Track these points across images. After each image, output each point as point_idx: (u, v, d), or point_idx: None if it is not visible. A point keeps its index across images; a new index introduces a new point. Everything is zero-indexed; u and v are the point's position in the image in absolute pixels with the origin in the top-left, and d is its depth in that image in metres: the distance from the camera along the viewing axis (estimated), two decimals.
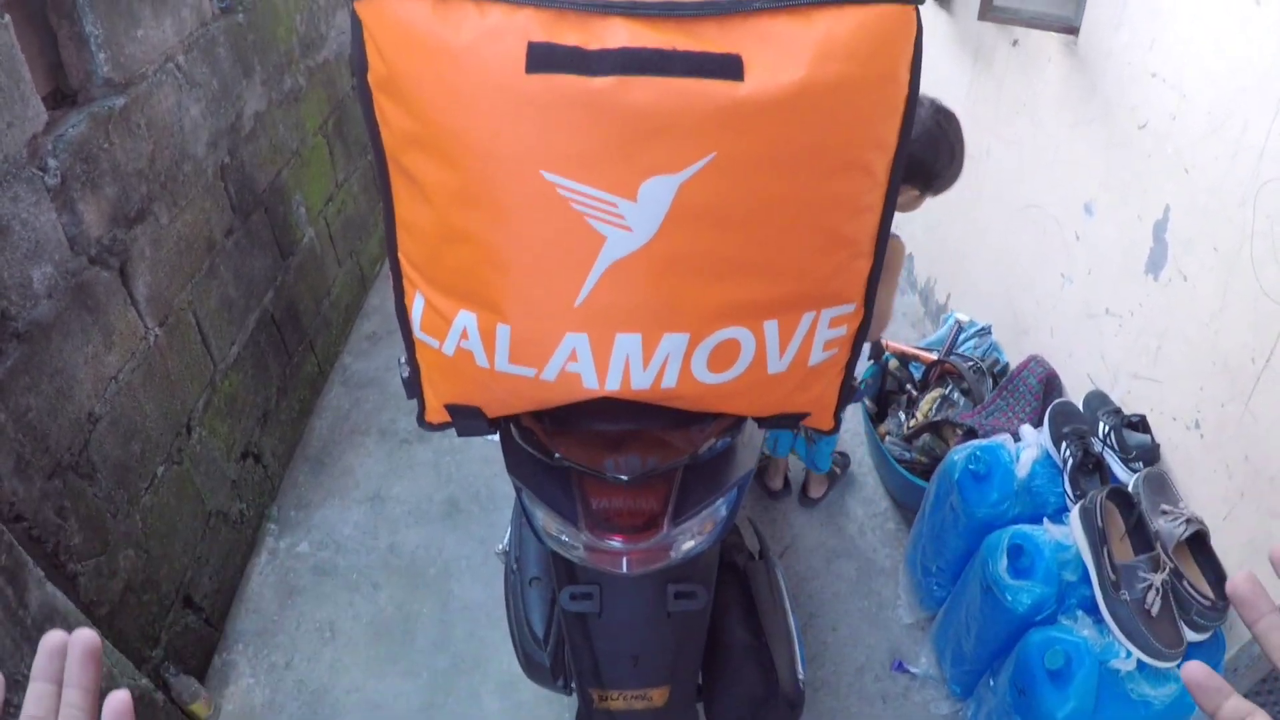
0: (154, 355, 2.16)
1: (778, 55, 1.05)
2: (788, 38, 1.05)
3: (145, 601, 2.09)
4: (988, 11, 2.47)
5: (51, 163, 1.78)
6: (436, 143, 1.12)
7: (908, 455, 2.65)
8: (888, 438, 2.74)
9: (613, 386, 1.28)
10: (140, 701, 1.95)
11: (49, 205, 1.78)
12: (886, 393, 2.90)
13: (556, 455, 1.47)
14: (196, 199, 2.37)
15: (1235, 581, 0.60)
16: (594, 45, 1.03)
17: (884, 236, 1.28)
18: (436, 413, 1.46)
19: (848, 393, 1.46)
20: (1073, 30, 2.36)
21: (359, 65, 1.13)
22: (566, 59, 1.03)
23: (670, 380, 1.28)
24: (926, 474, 2.51)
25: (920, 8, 1.10)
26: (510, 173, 1.10)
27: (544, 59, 1.03)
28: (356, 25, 1.10)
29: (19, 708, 1.48)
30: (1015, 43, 2.72)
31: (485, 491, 2.89)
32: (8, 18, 1.64)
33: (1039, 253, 2.63)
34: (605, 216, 1.12)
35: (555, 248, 1.16)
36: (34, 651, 1.58)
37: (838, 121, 1.11)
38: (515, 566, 1.91)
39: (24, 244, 1.71)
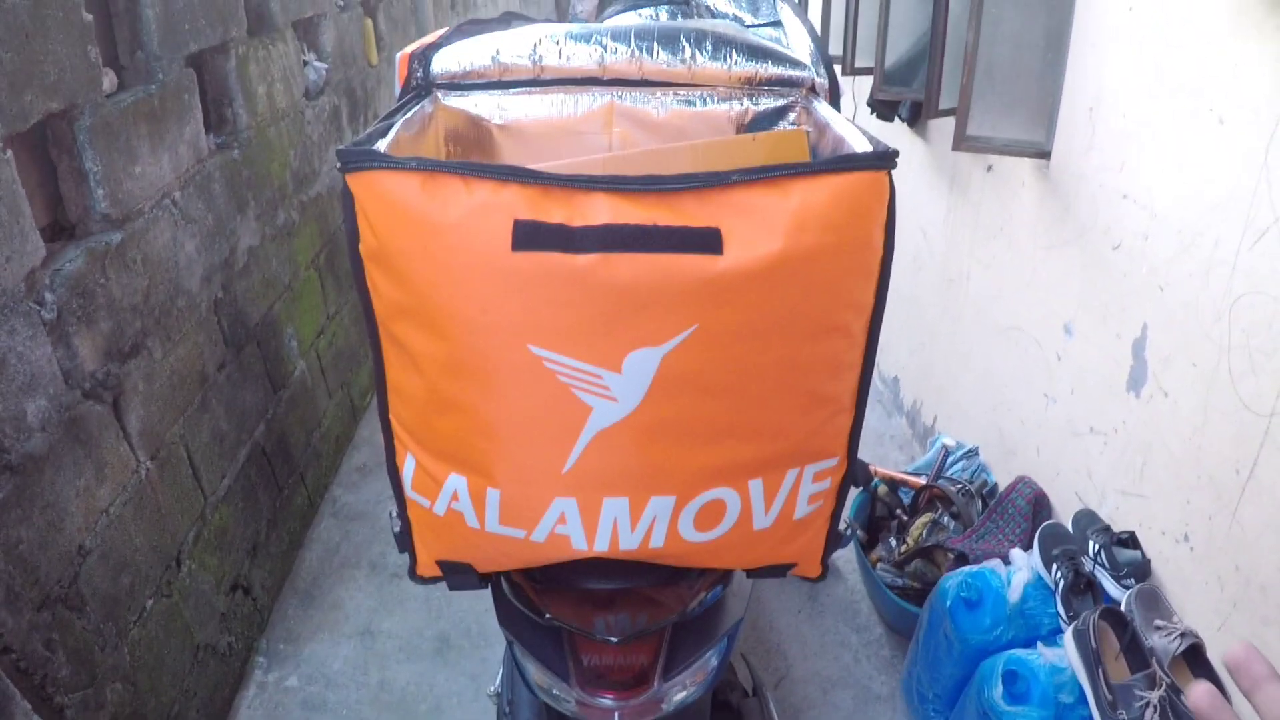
0: (145, 488, 2.15)
1: (755, 227, 1.09)
2: (764, 209, 1.09)
3: None
4: (961, 141, 2.55)
5: (48, 297, 1.80)
6: (425, 315, 1.15)
7: (899, 581, 2.64)
8: (879, 564, 2.73)
9: (601, 547, 1.30)
10: None
11: (45, 339, 1.80)
12: (876, 519, 2.89)
13: (547, 615, 1.48)
14: (190, 333, 2.40)
15: (1233, 650, 0.60)
16: (578, 221, 1.07)
17: (864, 391, 1.32)
18: (427, 567, 1.47)
19: (834, 540, 1.48)
20: (1044, 155, 2.44)
21: (350, 235, 1.16)
22: (551, 237, 1.06)
23: (658, 540, 1.30)
24: (919, 599, 2.49)
25: (892, 171, 1.14)
26: (498, 346, 1.13)
27: (529, 237, 1.06)
28: (348, 197, 1.14)
29: None
30: (990, 168, 2.80)
31: (476, 627, 2.85)
32: (10, 153, 1.68)
33: (1022, 373, 2.67)
34: (591, 388, 1.15)
35: (543, 418, 1.19)
36: None
37: (815, 288, 1.15)
38: (508, 710, 1.89)
39: (19, 377, 1.72)
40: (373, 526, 3.33)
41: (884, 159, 1.12)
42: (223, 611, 2.55)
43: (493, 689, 2.10)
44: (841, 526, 1.47)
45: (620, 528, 1.27)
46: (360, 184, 1.12)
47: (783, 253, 1.08)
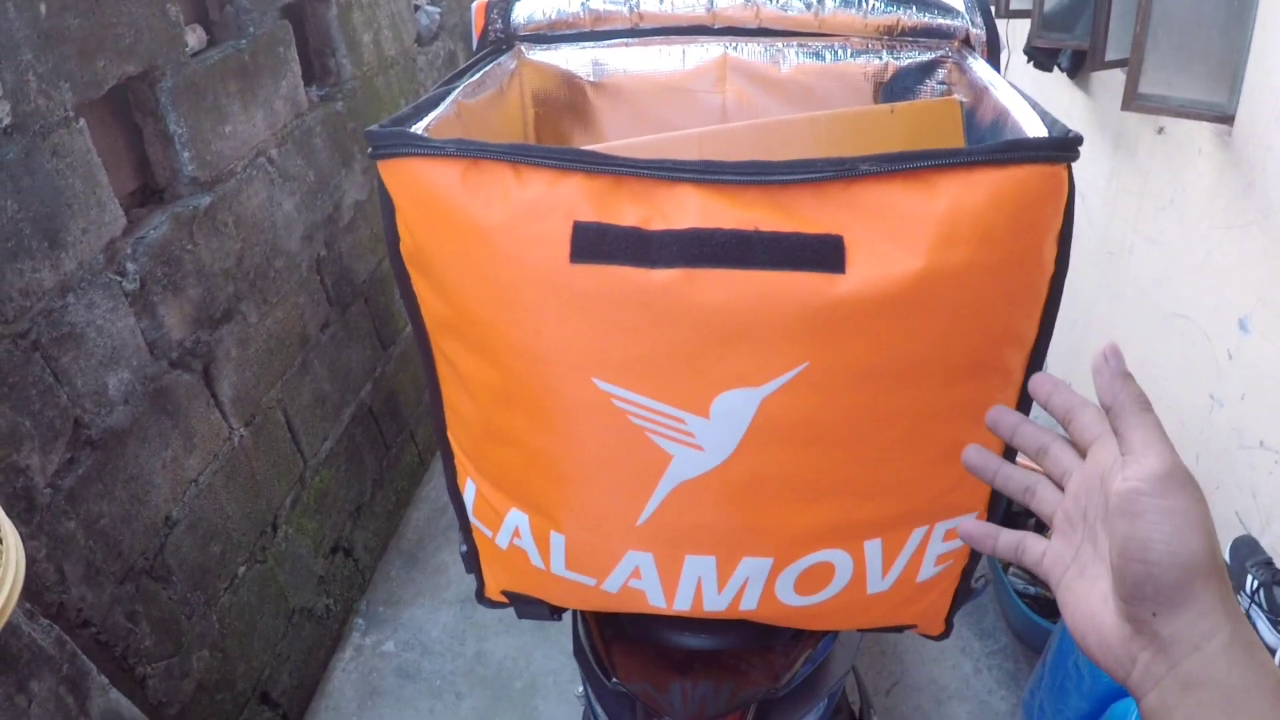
0: (238, 456, 2.11)
1: (889, 237, 0.85)
2: (903, 213, 0.85)
3: (219, 700, 2.03)
4: (1132, 100, 2.29)
5: (130, 267, 1.74)
6: (474, 335, 0.97)
7: (1032, 590, 2.43)
8: (1011, 569, 2.53)
9: (682, 606, 1.12)
10: None
11: (127, 310, 1.73)
12: (1012, 514, 2.69)
13: (614, 680, 1.30)
14: (289, 294, 2.33)
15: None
16: (656, 224, 0.85)
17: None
18: (496, 593, 1.32)
19: (963, 595, 1.25)
20: (1227, 120, 2.14)
21: (389, 238, 0.99)
22: (620, 245, 0.85)
23: (750, 603, 1.11)
24: (1052, 612, 2.30)
25: (1072, 162, 0.87)
26: (556, 377, 0.94)
27: (593, 245, 0.86)
28: (384, 193, 0.96)
29: None
30: (1161, 130, 2.51)
31: None
32: (83, 122, 1.61)
33: (1185, 369, 2.41)
34: (671, 433, 0.95)
35: (612, 462, 0.99)
36: None
37: (964, 318, 0.90)
38: (593, 715, 1.79)
39: (99, 351, 1.66)
40: None
41: (1065, 147, 0.84)
42: (321, 574, 2.51)
43: (578, 691, 2.00)
44: (974, 582, 1.24)
45: (705, 588, 1.09)
46: (393, 174, 0.94)
47: (924, 272, 0.84)
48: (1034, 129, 0.95)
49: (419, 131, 1.01)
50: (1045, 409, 0.66)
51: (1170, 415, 2.47)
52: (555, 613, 1.32)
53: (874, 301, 0.85)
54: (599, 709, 1.41)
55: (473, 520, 1.22)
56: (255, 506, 2.18)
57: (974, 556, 1.19)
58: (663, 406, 0.93)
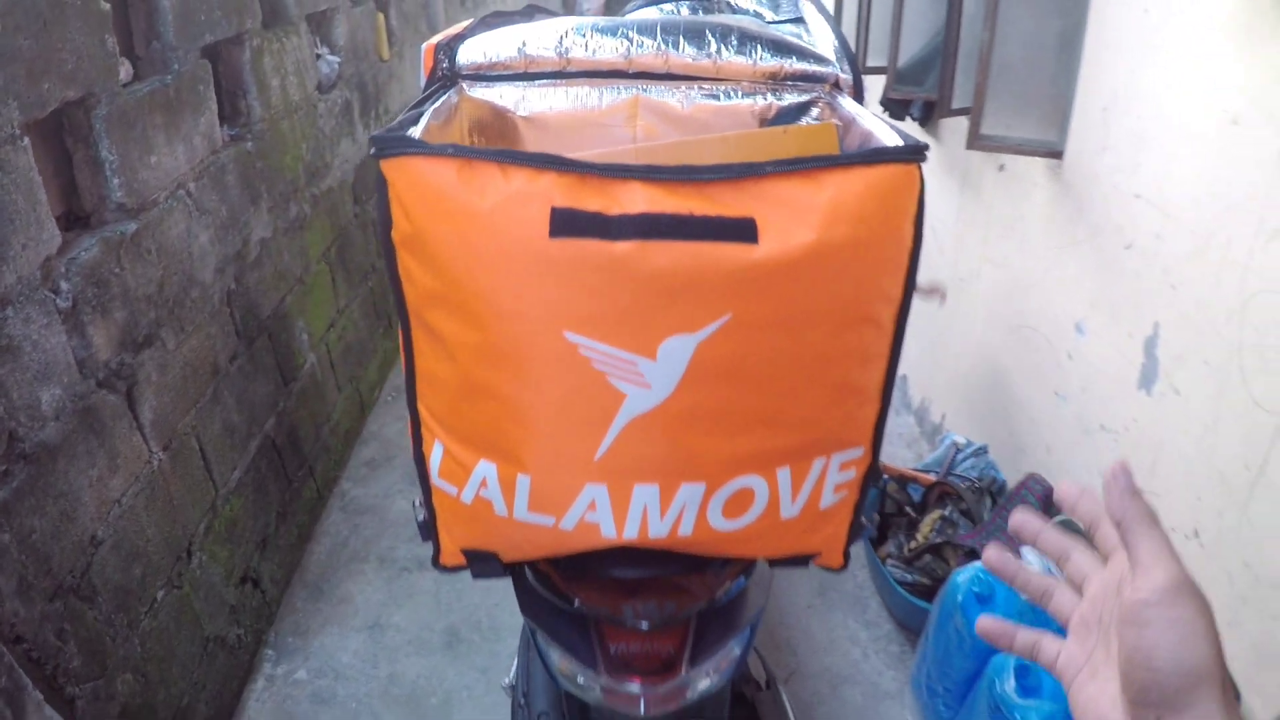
0: (157, 479, 2.16)
1: (790, 218, 1.10)
2: (799, 201, 1.10)
3: None
4: (975, 140, 2.56)
5: (64, 285, 1.81)
6: (461, 301, 1.15)
7: (909, 578, 2.64)
8: (889, 560, 2.73)
9: (630, 535, 1.30)
10: None
11: (60, 327, 1.80)
12: (886, 515, 2.90)
13: (576, 603, 1.48)
14: (203, 324, 2.41)
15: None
16: (615, 210, 1.07)
17: (890, 383, 1.33)
18: (451, 556, 1.47)
19: (856, 530, 1.48)
20: (1057, 155, 2.45)
21: (383, 221, 1.16)
22: (589, 224, 1.07)
23: (686, 528, 1.31)
24: (928, 595, 2.50)
25: (922, 166, 1.16)
26: (534, 333, 1.14)
27: (567, 224, 1.07)
28: (382, 183, 1.14)
29: None
30: (1002, 168, 2.80)
31: (487, 621, 2.86)
32: (27, 140, 1.69)
33: (1032, 372, 2.67)
34: (625, 375, 1.15)
35: (577, 404, 1.19)
36: None
37: (847, 279, 1.16)
38: (524, 701, 1.89)
39: (34, 365, 1.72)
40: (381, 520, 3.34)
41: (915, 152, 1.13)
42: (232, 604, 2.55)
43: (507, 681, 2.11)
44: (864, 519, 1.48)
45: (650, 515, 1.28)
46: (396, 170, 1.12)
47: (817, 244, 1.09)
48: (892, 142, 1.25)
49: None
50: (1071, 516, 0.71)
51: (1022, 413, 2.73)
52: (507, 569, 1.48)
53: (780, 266, 1.09)
54: (553, 646, 1.55)
55: (437, 483, 1.36)
56: (172, 531, 2.22)
57: (864, 492, 1.43)
58: (619, 352, 1.14)
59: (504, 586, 2.82)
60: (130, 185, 2.03)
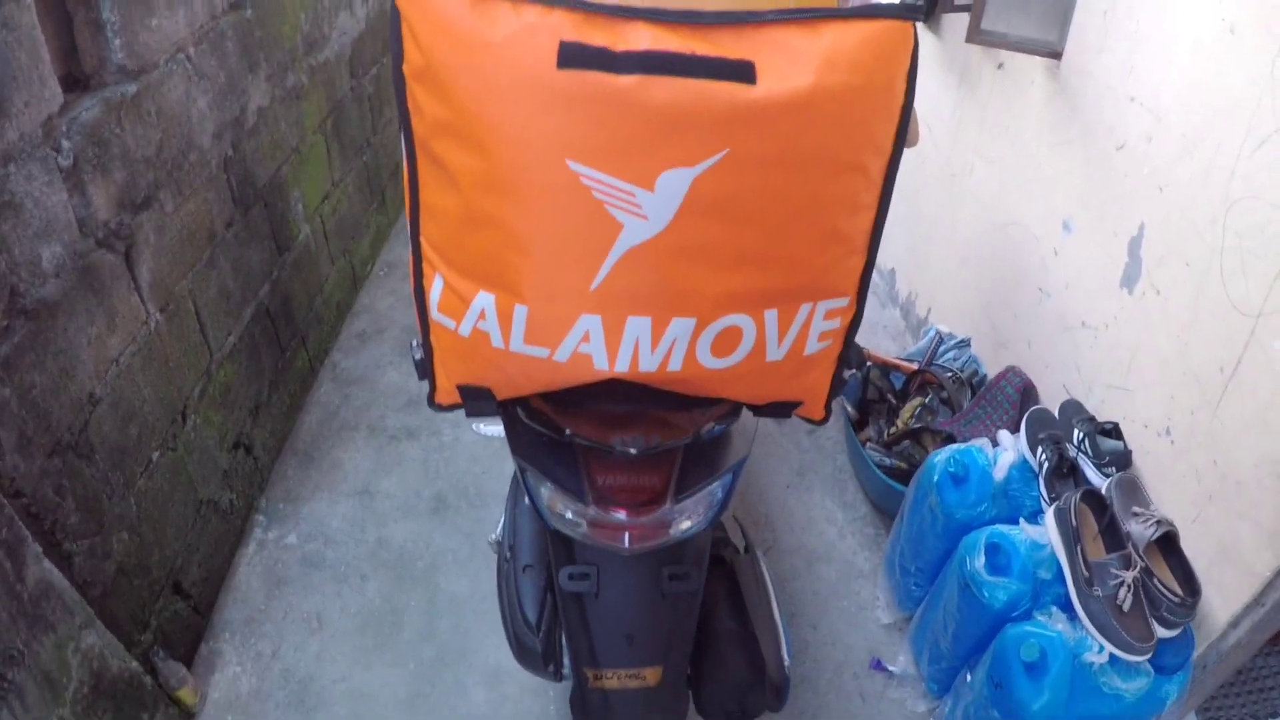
0: (154, 341, 2.19)
1: (787, 63, 1.15)
2: (797, 47, 1.15)
3: (136, 586, 2.11)
4: (975, 34, 2.56)
5: (65, 144, 1.81)
6: (468, 130, 1.19)
7: (888, 461, 2.71)
8: (869, 444, 2.80)
9: (622, 368, 1.36)
10: (129, 684, 1.98)
11: (61, 186, 1.81)
12: (868, 401, 2.96)
13: (567, 433, 1.54)
14: (200, 189, 2.41)
15: None
16: (620, 46, 1.12)
17: (877, 236, 1.37)
18: (447, 393, 1.52)
19: (838, 384, 1.54)
20: (1056, 55, 2.45)
21: (395, 55, 1.20)
22: (595, 58, 1.11)
23: (676, 364, 1.36)
24: (906, 479, 2.57)
25: (916, 23, 1.21)
26: (537, 161, 1.18)
27: (574, 57, 1.11)
28: (396, 16, 1.17)
29: (11, 683, 1.52)
30: (1000, 66, 2.80)
31: (473, 488, 2.93)
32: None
33: (1018, 268, 2.71)
34: (624, 205, 1.20)
35: (575, 233, 1.24)
36: (30, 626, 1.60)
37: (840, 126, 1.21)
38: (509, 555, 1.96)
39: (35, 222, 1.74)
40: (371, 390, 3.39)
41: (911, 10, 1.20)
42: (225, 469, 2.61)
43: (493, 537, 2.18)
44: (845, 375, 1.54)
45: (641, 348, 1.34)
46: (410, 3, 1.16)
47: (812, 88, 1.15)
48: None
49: None
50: None
51: (1005, 309, 2.77)
52: (499, 408, 1.56)
53: (776, 106, 1.15)
54: (542, 481, 1.62)
55: (436, 317, 1.41)
56: (168, 393, 2.26)
57: (847, 344, 1.49)
58: (619, 182, 1.19)
59: (489, 455, 2.92)
60: (131, 47, 2.02)
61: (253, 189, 2.78)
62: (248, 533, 2.78)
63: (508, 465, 2.89)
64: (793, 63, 1.15)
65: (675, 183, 1.18)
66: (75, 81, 1.96)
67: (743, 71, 1.13)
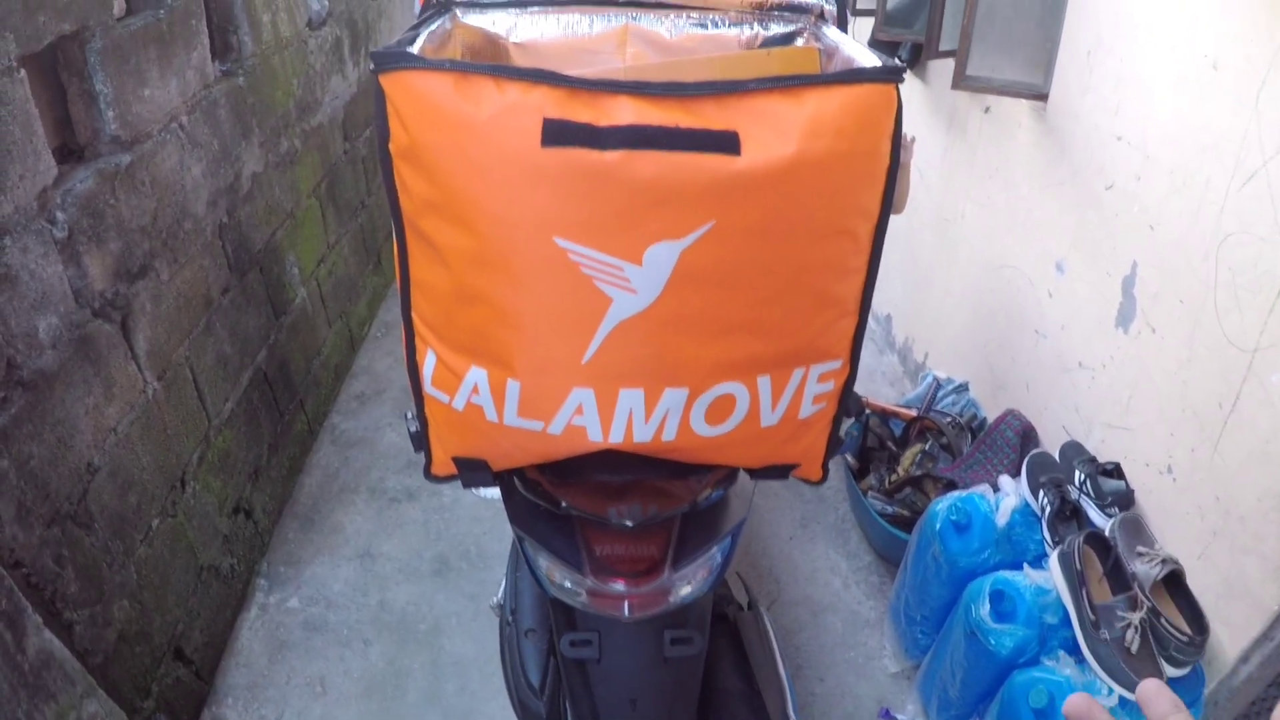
0: (152, 409, 2.19)
1: (771, 132, 1.15)
2: (780, 115, 1.15)
3: (138, 653, 2.10)
4: (961, 80, 2.58)
5: (60, 216, 1.83)
6: (455, 209, 1.20)
7: (890, 509, 2.70)
8: (870, 493, 2.80)
9: (616, 439, 1.36)
10: None
11: (56, 257, 1.82)
12: (868, 449, 2.95)
13: (564, 504, 1.54)
14: (196, 256, 2.42)
15: (1143, 685, 0.63)
16: (604, 121, 1.12)
17: (867, 297, 1.37)
18: (443, 465, 1.52)
19: (834, 444, 1.55)
20: (1042, 97, 2.47)
21: (380, 133, 1.21)
22: (579, 134, 1.12)
23: (670, 433, 1.36)
24: (908, 527, 2.55)
25: (899, 85, 1.21)
26: (525, 238, 1.18)
27: (558, 134, 1.12)
28: (380, 96, 1.18)
29: None
30: (987, 110, 2.83)
31: (475, 549, 2.92)
32: (23, 72, 1.70)
33: (1013, 310, 2.71)
34: (613, 279, 1.20)
35: (566, 309, 1.24)
36: (31, 696, 1.58)
37: (826, 192, 1.21)
38: (511, 619, 1.95)
39: (31, 294, 1.75)
40: (371, 452, 3.38)
41: (892, 73, 1.19)
42: (225, 534, 2.60)
43: (494, 600, 2.16)
44: (842, 432, 1.54)
45: (635, 419, 1.34)
46: (394, 84, 1.16)
47: (796, 156, 1.15)
48: (871, 64, 1.31)
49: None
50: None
51: (1003, 352, 2.78)
52: (496, 478, 1.55)
53: (761, 176, 1.15)
54: (540, 551, 1.61)
55: (429, 391, 1.41)
56: (166, 460, 2.26)
57: (842, 404, 1.49)
58: (607, 257, 1.19)
59: (491, 516, 2.90)
60: (124, 118, 2.04)
61: (248, 254, 2.79)
62: (249, 597, 2.76)
63: (508, 526, 2.88)
64: (776, 132, 1.15)
65: (663, 256, 1.19)
66: (69, 152, 1.98)
67: (727, 143, 1.13)
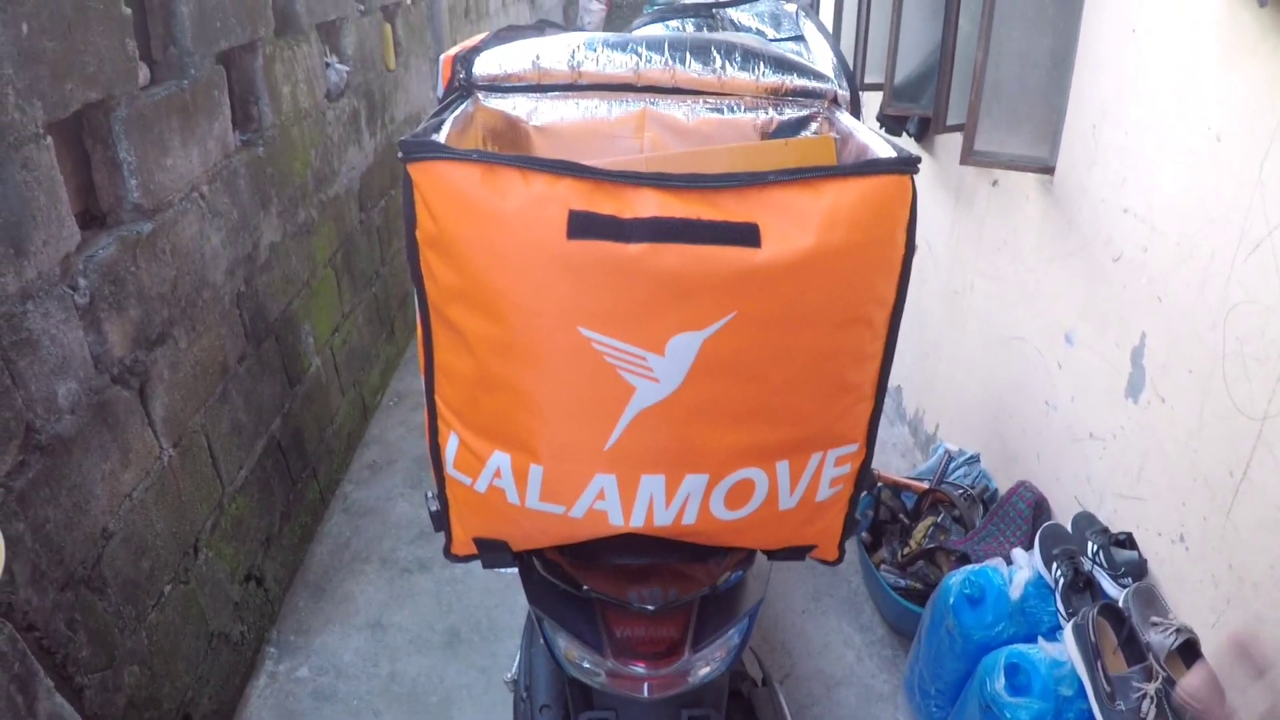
0: (167, 475, 2.20)
1: (790, 224, 1.18)
2: (799, 208, 1.18)
3: (147, 718, 2.09)
4: (969, 156, 2.61)
5: (81, 282, 1.86)
6: (481, 298, 1.22)
7: (903, 583, 2.69)
8: (883, 566, 2.79)
9: (637, 523, 1.38)
10: None
11: (77, 323, 1.85)
12: (880, 522, 2.94)
13: (585, 588, 1.55)
14: (213, 325, 2.46)
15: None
16: (627, 214, 1.15)
17: (883, 382, 1.40)
18: (463, 545, 1.54)
19: (851, 525, 1.56)
20: (1049, 170, 2.51)
21: (408, 220, 1.23)
22: (604, 227, 1.15)
23: (690, 517, 1.38)
24: (922, 600, 2.55)
25: (915, 177, 1.24)
26: (550, 328, 1.21)
27: (584, 226, 1.15)
28: (408, 184, 1.21)
29: None
30: (995, 183, 2.86)
31: (486, 622, 2.90)
32: (49, 139, 1.74)
33: (1023, 382, 2.72)
34: (636, 369, 1.23)
35: (589, 396, 1.26)
36: None
37: (844, 282, 1.23)
38: (525, 695, 1.94)
39: (52, 359, 1.77)
40: (383, 522, 3.38)
41: (908, 164, 1.22)
42: (236, 601, 2.59)
43: (509, 676, 2.15)
44: (858, 514, 1.56)
45: (656, 504, 1.35)
46: (422, 173, 1.19)
47: (815, 248, 1.17)
48: (887, 155, 1.34)
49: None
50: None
51: (1013, 423, 2.78)
52: (515, 558, 1.56)
53: (781, 268, 1.18)
54: (559, 632, 1.61)
55: (451, 473, 1.43)
56: (180, 526, 2.26)
57: (858, 487, 1.51)
58: (630, 347, 1.21)
59: (503, 588, 2.90)
60: (147, 186, 2.08)
61: (264, 323, 2.83)
62: (259, 665, 2.74)
63: (521, 598, 2.86)
64: (795, 224, 1.18)
65: (685, 346, 1.21)
66: (92, 218, 2.02)
67: (748, 235, 1.16)
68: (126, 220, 2.06)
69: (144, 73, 2.10)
